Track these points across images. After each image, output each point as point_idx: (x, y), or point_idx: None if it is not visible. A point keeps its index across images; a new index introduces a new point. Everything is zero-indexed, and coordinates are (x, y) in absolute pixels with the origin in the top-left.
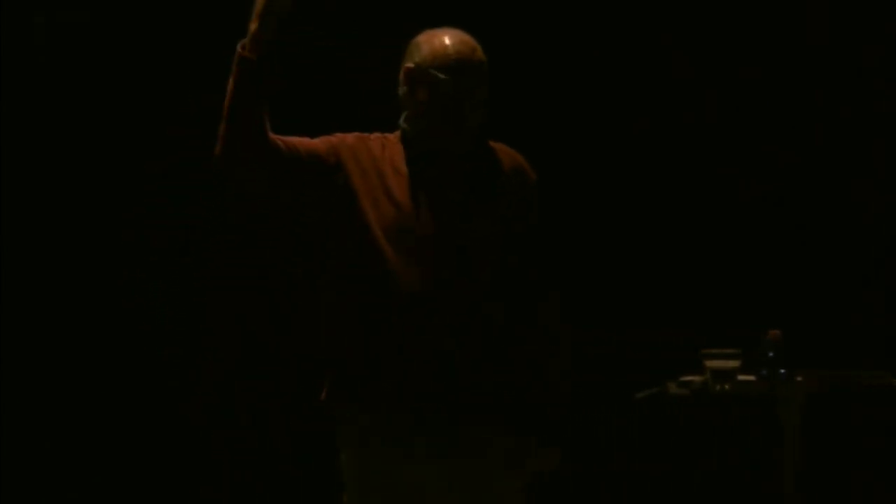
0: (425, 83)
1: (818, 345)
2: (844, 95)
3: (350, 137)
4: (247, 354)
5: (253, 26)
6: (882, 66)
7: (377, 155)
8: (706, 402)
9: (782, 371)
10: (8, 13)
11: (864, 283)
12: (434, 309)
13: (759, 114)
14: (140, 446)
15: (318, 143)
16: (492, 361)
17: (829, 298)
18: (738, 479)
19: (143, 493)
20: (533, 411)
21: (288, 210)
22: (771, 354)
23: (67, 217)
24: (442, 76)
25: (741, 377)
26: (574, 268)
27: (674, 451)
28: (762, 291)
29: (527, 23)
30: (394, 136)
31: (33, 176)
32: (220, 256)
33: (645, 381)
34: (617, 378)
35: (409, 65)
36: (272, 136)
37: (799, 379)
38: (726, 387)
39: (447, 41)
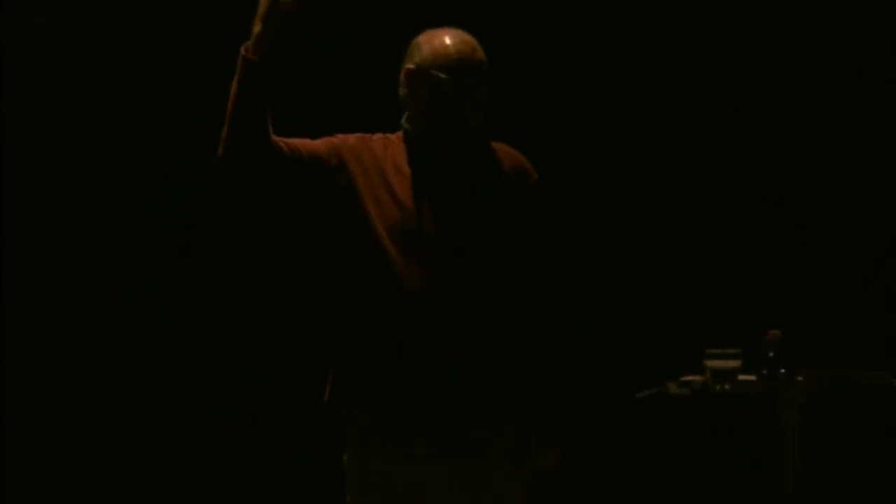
0: (426, 83)
1: (818, 345)
2: (844, 95)
3: (352, 138)
4: (247, 354)
5: (256, 28)
6: (882, 66)
7: (379, 155)
8: (706, 402)
9: (782, 371)
10: (8, 13)
11: (864, 283)
12: (434, 309)
13: (759, 114)
14: (140, 446)
15: (320, 144)
16: (492, 361)
17: (829, 298)
18: (738, 479)
19: (143, 493)
20: (533, 411)
21: (288, 210)
22: (771, 354)
23: (67, 217)
24: (443, 76)
25: (741, 377)
26: (574, 268)
27: (674, 451)
28: (762, 291)
29: (527, 23)
30: (395, 137)
31: (33, 176)
32: (220, 256)
33: (645, 381)
34: (617, 378)
35: (410, 65)
36: (274, 137)
37: (799, 379)
38: (726, 387)
39: (447, 41)
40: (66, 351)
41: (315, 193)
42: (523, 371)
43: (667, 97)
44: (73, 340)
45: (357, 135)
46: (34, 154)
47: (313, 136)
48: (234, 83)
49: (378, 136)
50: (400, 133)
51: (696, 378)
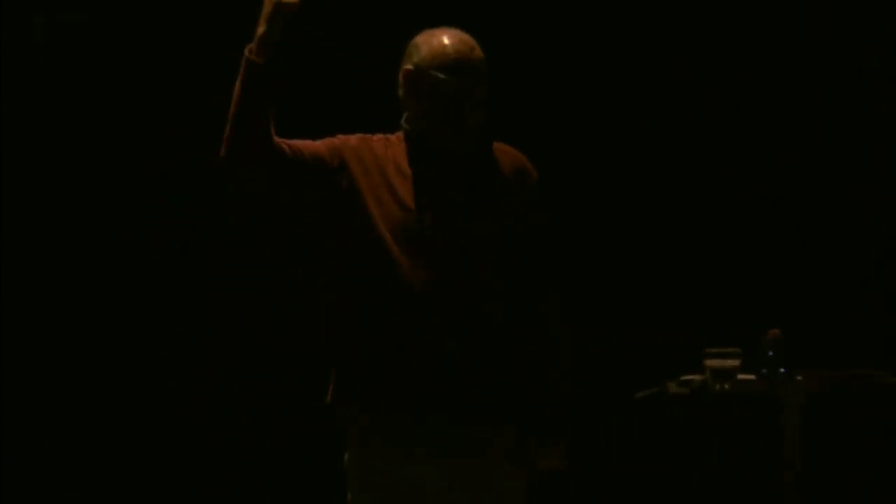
0: (425, 84)
1: (818, 345)
2: (844, 95)
3: (353, 139)
4: (247, 354)
5: (260, 29)
6: (882, 66)
7: (380, 155)
8: (706, 402)
9: (782, 370)
10: (8, 13)
11: (864, 283)
12: (435, 309)
13: (759, 114)
14: (140, 446)
15: (322, 144)
16: (492, 361)
17: (829, 298)
18: (738, 478)
19: (144, 493)
20: (533, 411)
21: (288, 210)
22: (771, 354)
23: (67, 217)
24: (442, 76)
25: (741, 376)
26: (574, 268)
27: (674, 451)
28: (762, 291)
29: (527, 23)
30: (395, 137)
31: (33, 176)
32: (220, 256)
33: (645, 381)
34: (617, 378)
35: (409, 66)
36: (276, 138)
37: (799, 378)
38: (726, 386)
39: (446, 41)
40: (66, 351)
41: (316, 194)
42: (523, 371)
43: (667, 97)
44: (73, 340)
45: (358, 135)
46: (34, 154)
47: (314, 137)
48: (237, 85)
49: (378, 136)
50: (400, 133)
51: (696, 377)
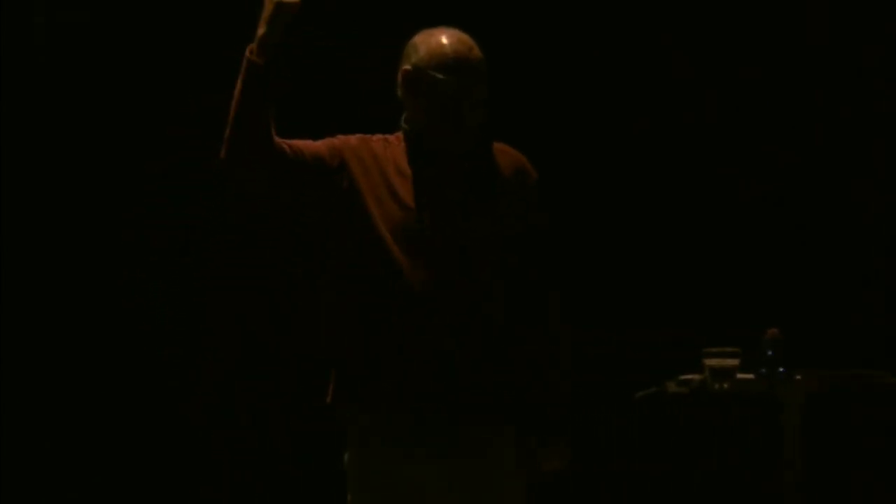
0: (424, 84)
1: (818, 345)
2: (844, 95)
3: (353, 139)
4: (247, 354)
5: (261, 30)
6: (882, 66)
7: (380, 155)
8: (705, 401)
9: (781, 370)
10: (8, 13)
11: (864, 283)
12: (435, 309)
13: (759, 114)
14: (140, 446)
15: (321, 145)
16: (492, 361)
17: (829, 298)
18: (738, 478)
19: (144, 493)
20: (533, 411)
21: (288, 210)
22: (770, 353)
23: (68, 217)
24: (440, 76)
25: (740, 376)
26: (574, 268)
27: (674, 451)
28: (762, 291)
29: (527, 23)
30: (395, 137)
31: (33, 176)
32: (220, 256)
33: (645, 380)
34: (617, 378)
35: (407, 66)
36: (276, 139)
37: (798, 378)
38: (725, 385)
39: (444, 41)
40: (66, 351)
41: (317, 194)
42: (523, 371)
43: (667, 97)
44: (73, 340)
45: (357, 136)
46: (34, 154)
47: (314, 137)
48: (238, 85)
49: (378, 136)
50: (400, 133)
51: (695, 377)
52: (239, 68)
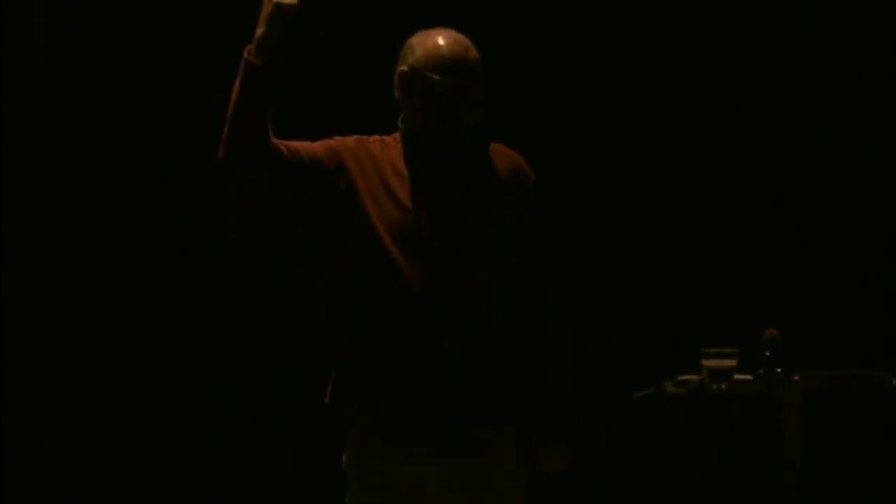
0: (420, 85)
1: (818, 345)
2: (844, 95)
3: (350, 140)
4: (247, 354)
5: (259, 31)
6: (882, 66)
7: (377, 156)
8: (703, 402)
9: (779, 370)
10: (8, 13)
11: (864, 283)
12: (434, 309)
13: (759, 114)
14: (140, 446)
15: (319, 146)
16: (492, 361)
17: (829, 298)
18: (738, 478)
19: (144, 493)
20: (533, 411)
21: (288, 210)
22: (768, 354)
23: (68, 217)
24: (436, 77)
25: (738, 377)
26: (574, 268)
27: (673, 451)
28: (762, 291)
29: (526, 23)
30: (392, 138)
31: (33, 176)
32: (220, 256)
33: (644, 380)
34: (617, 378)
35: (404, 67)
36: (274, 139)
37: (796, 378)
38: (723, 386)
39: (440, 42)
40: (66, 351)
41: (314, 194)
42: (523, 371)
43: (667, 97)
44: (73, 340)
45: (355, 137)
46: (34, 154)
47: (313, 138)
48: (236, 86)
49: (375, 137)
50: (397, 134)
51: (693, 377)
52: (238, 68)
